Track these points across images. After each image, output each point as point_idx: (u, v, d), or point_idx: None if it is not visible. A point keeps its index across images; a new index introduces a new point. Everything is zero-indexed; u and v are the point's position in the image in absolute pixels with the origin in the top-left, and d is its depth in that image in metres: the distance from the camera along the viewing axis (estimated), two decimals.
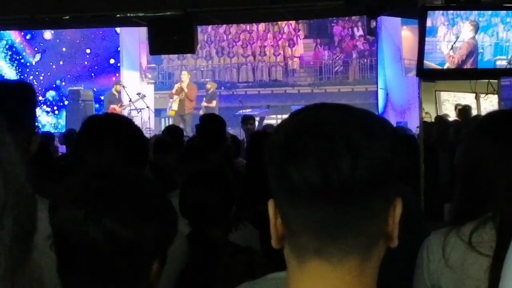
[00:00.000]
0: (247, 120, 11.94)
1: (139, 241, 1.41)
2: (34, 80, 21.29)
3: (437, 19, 7.87)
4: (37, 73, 22.61)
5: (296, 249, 1.12)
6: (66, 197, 1.44)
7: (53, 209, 1.45)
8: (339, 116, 1.10)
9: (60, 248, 1.44)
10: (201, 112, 16.39)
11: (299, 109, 1.17)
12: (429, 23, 7.95)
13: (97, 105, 19.70)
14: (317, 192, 1.04)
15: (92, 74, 22.65)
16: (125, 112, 18.29)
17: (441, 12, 7.73)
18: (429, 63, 7.81)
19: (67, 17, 10.26)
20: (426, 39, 7.68)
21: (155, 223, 1.44)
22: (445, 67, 7.64)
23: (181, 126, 13.91)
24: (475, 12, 7.67)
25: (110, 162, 2.19)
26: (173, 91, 18.93)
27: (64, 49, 22.71)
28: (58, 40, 22.73)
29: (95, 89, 21.10)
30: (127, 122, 2.54)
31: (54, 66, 22.82)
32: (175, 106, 18.27)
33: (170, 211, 1.52)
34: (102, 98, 19.65)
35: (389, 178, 1.08)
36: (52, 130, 18.82)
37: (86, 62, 22.82)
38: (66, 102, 20.73)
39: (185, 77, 19.02)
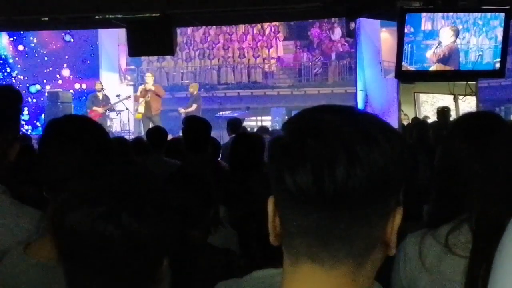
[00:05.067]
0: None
1: (154, 236, 1.44)
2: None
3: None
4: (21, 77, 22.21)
5: (290, 250, 1.12)
6: (79, 197, 1.46)
7: (60, 211, 1.46)
8: (343, 122, 1.08)
9: (70, 248, 1.45)
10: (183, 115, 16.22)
11: (306, 109, 1.15)
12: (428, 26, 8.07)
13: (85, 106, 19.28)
14: (309, 197, 1.04)
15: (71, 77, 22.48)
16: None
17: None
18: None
19: (46, 18, 10.21)
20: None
21: (167, 219, 1.48)
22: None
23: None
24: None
25: (74, 165, 2.16)
26: (138, 93, 18.65)
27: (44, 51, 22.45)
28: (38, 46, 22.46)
29: (71, 91, 20.90)
30: (88, 123, 2.48)
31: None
32: (141, 109, 17.96)
33: (173, 208, 1.55)
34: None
35: (388, 188, 1.08)
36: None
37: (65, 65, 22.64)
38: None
39: (149, 78, 18.66)
